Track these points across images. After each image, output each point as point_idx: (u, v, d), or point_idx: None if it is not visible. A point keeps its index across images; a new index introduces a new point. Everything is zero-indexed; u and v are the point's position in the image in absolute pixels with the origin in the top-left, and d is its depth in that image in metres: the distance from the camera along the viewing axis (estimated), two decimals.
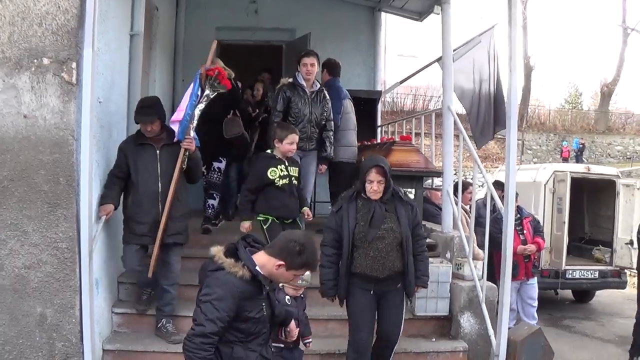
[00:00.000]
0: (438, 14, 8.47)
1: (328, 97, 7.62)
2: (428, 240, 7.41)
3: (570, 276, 11.20)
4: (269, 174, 6.16)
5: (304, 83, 7.38)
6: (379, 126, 10.73)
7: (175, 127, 5.88)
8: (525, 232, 8.56)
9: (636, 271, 9.49)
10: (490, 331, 6.03)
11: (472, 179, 9.27)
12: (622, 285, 11.85)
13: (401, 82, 11.53)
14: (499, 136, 29.78)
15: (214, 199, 8.03)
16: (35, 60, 5.17)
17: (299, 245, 3.80)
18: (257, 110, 9.46)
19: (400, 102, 32.76)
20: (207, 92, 6.03)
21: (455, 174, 7.97)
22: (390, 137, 10.30)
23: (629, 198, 11.86)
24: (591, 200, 13.09)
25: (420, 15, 10.00)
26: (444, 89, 7.63)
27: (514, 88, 5.80)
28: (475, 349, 6.38)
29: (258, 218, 6.30)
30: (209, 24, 10.66)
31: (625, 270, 11.78)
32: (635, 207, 11.76)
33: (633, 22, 39.20)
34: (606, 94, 40.60)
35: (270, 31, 10.97)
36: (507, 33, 5.74)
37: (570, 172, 11.50)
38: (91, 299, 5.19)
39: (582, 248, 12.56)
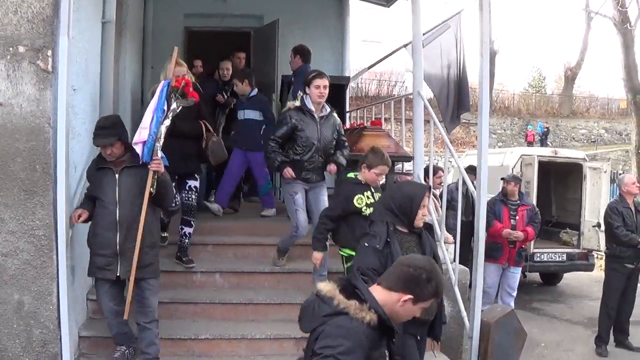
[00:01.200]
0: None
1: (339, 120, 7.04)
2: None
3: (538, 259, 11.42)
4: (355, 201, 5.78)
5: (312, 107, 6.59)
6: (348, 112, 10.82)
7: (138, 149, 5.30)
8: (517, 218, 8.73)
9: (603, 254, 9.72)
10: (464, 313, 6.18)
11: (443, 163, 9.38)
12: (589, 267, 12.12)
13: (369, 67, 11.65)
14: (464, 121, 30.17)
15: (190, 225, 6.93)
16: (11, 49, 5.15)
17: (426, 272, 3.11)
18: (227, 96, 9.13)
19: (365, 88, 32.85)
20: (173, 105, 5.51)
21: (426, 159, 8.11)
22: (360, 122, 10.40)
23: (596, 181, 12.10)
24: (558, 184, 13.35)
25: (387, 1, 10.08)
26: (414, 74, 7.76)
27: (485, 73, 5.91)
28: (448, 331, 6.45)
29: (342, 253, 6.05)
30: (178, 11, 10.70)
31: (593, 253, 12.05)
32: (602, 190, 12.03)
33: (596, 5, 39.77)
34: (570, 78, 41.17)
35: (238, 18, 11.01)
36: (478, 18, 5.87)
37: (537, 155, 11.73)
38: (68, 286, 5.22)
39: (549, 231, 12.80)
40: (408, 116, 8.23)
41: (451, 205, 9.22)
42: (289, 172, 6.45)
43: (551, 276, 12.81)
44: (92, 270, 5.48)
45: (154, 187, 5.35)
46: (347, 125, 9.83)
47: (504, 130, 33.37)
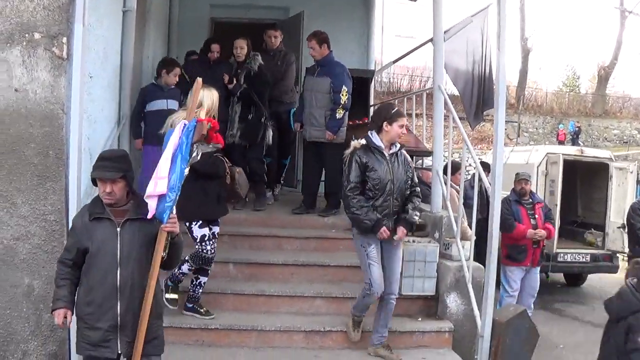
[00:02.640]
0: None
1: (409, 158, 6.21)
2: (418, 220, 7.51)
3: (561, 259, 11.22)
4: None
5: (381, 144, 5.74)
6: (372, 105, 10.74)
7: (152, 203, 4.26)
8: (536, 216, 8.45)
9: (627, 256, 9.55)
10: (476, 312, 6.08)
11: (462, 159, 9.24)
12: (613, 269, 11.85)
13: (394, 61, 11.57)
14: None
15: (207, 275, 6.17)
16: (27, 35, 5.20)
17: None
18: (235, 81, 8.09)
19: (397, 83, 32.67)
20: (193, 153, 4.52)
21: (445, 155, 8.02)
22: None
23: (622, 181, 11.89)
24: (584, 183, 13.12)
25: None
26: (435, 68, 7.67)
27: (502, 68, 5.85)
28: (461, 329, 6.42)
29: None
30: (204, 1, 10.71)
31: (617, 255, 11.80)
32: (628, 190, 11.81)
33: (631, 4, 39.08)
34: (603, 77, 40.58)
35: (264, 9, 10.98)
36: (497, 11, 5.81)
37: (562, 154, 11.54)
38: None
39: (574, 231, 12.59)
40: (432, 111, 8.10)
41: (466, 204, 9.14)
42: (386, 232, 5.64)
43: (575, 277, 12.61)
44: (83, 346, 4.22)
45: (167, 250, 4.33)
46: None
47: (536, 128, 32.98)
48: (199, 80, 4.62)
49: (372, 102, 10.90)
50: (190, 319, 6.08)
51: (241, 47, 8.23)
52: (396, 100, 10.61)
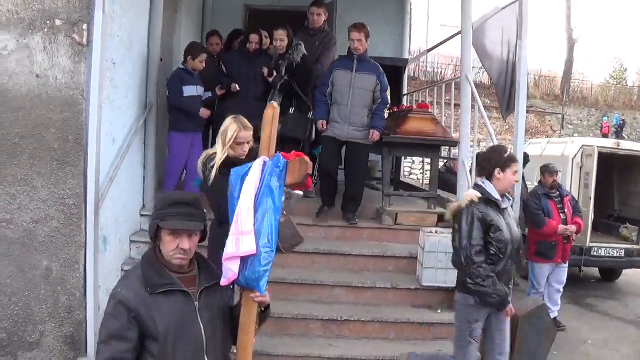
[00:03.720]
0: None
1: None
2: (442, 210, 7.43)
3: (595, 254, 10.91)
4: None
5: (498, 197, 4.84)
6: (405, 94, 10.69)
7: (233, 268, 3.31)
8: (566, 211, 8.20)
9: None
10: None
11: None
12: None
13: (428, 50, 11.48)
14: (539, 109, 29.40)
15: None
16: (48, 22, 5.27)
17: None
18: (275, 73, 7.73)
19: (441, 72, 32.33)
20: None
21: (478, 146, 7.92)
22: (409, 105, 10.26)
23: None
24: (621, 177, 12.80)
25: None
26: (463, 58, 7.60)
27: (523, 56, 5.79)
28: None
29: None
30: None
31: None
32: None
33: None
34: None
35: None
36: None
37: (597, 147, 11.22)
38: (96, 255, 5.35)
39: (610, 225, 12.28)
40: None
41: None
42: (512, 310, 4.92)
43: (610, 272, 12.28)
44: None
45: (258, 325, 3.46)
46: None
47: (581, 121, 32.30)
48: (274, 105, 3.75)
49: (405, 91, 10.86)
50: None
51: (281, 39, 7.76)
52: (428, 90, 10.42)
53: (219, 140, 4.83)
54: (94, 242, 5.32)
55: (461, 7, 7.44)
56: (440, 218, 7.32)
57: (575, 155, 11.39)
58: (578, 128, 31.08)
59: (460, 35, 7.91)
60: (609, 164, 11.96)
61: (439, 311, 6.48)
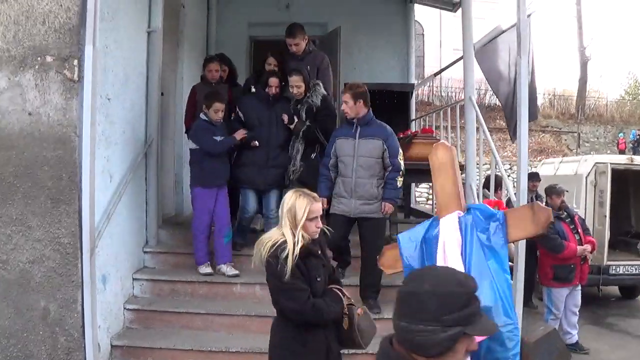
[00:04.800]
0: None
1: None
2: None
3: (613, 272, 10.67)
4: None
5: None
6: (413, 120, 10.58)
7: None
8: (579, 230, 7.99)
9: None
10: None
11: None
12: None
13: (435, 74, 11.42)
14: (555, 129, 29.16)
15: None
16: (39, 58, 5.23)
17: None
18: (296, 118, 7.10)
19: (456, 96, 32.18)
20: None
21: (489, 169, 7.77)
22: (415, 130, 10.15)
23: None
24: (637, 192, 12.58)
25: (453, 6, 9.81)
26: (466, 80, 7.44)
27: (524, 74, 5.67)
28: None
29: None
30: (241, 20, 10.79)
31: None
32: None
33: None
34: None
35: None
36: (516, 15, 5.65)
37: (611, 163, 11.04)
38: (93, 294, 5.22)
39: (628, 242, 11.99)
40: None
41: None
42: None
43: (630, 289, 11.99)
44: None
45: None
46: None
47: (597, 138, 31.96)
48: (445, 144, 3.51)
49: (413, 116, 10.74)
50: (213, 342, 6.05)
51: (297, 86, 7.06)
52: (438, 114, 10.27)
53: (284, 223, 3.95)
54: (91, 281, 5.19)
55: (462, 29, 7.34)
56: None
57: (589, 173, 11.22)
58: (595, 145, 30.78)
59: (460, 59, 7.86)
60: (624, 180, 11.76)
61: None
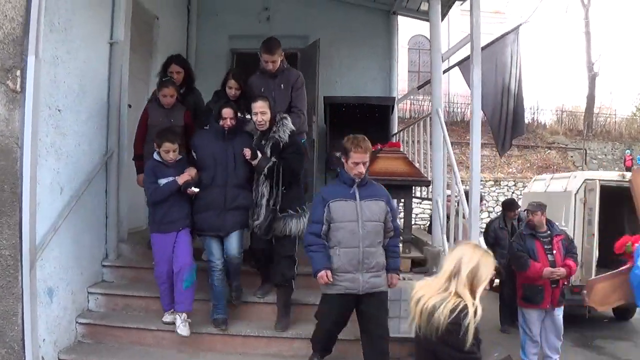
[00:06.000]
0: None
1: None
2: (417, 255, 7.13)
3: None
4: None
5: None
6: (394, 134, 10.46)
7: None
8: (554, 252, 7.53)
9: None
10: None
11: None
12: None
13: (419, 87, 11.34)
14: (562, 145, 28.89)
15: None
16: None
17: None
18: (259, 154, 6.22)
19: (461, 112, 31.90)
20: None
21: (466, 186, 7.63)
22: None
23: None
24: (631, 210, 12.30)
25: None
26: (433, 92, 7.28)
27: (476, 83, 5.58)
28: None
29: None
30: (222, 32, 10.76)
31: None
32: None
33: None
34: None
35: (284, 38, 10.79)
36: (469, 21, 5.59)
37: (600, 180, 10.77)
38: (33, 307, 5.15)
39: (621, 262, 11.79)
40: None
41: (498, 244, 8.75)
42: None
43: (623, 311, 11.74)
44: None
45: None
46: None
47: (605, 155, 31.63)
48: None
49: (394, 130, 10.64)
50: None
51: (262, 112, 6.17)
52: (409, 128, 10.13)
53: (460, 282, 3.42)
54: (30, 294, 5.12)
55: (430, 38, 7.22)
56: (416, 262, 6.99)
57: (578, 190, 10.93)
58: (602, 162, 30.48)
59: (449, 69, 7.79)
60: (617, 197, 11.46)
61: None
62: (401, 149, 8.11)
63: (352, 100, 10.26)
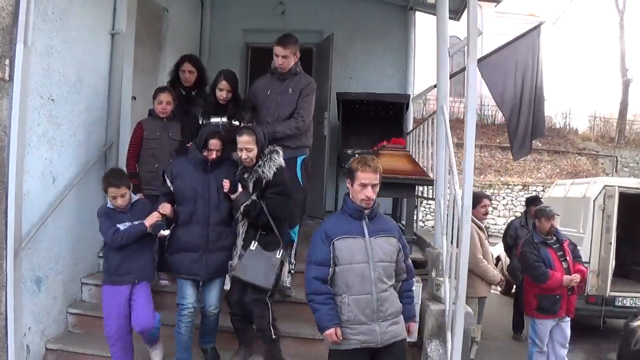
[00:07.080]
0: None
1: None
2: (419, 256, 6.97)
3: (619, 304, 10.00)
4: None
5: None
6: (408, 132, 10.29)
7: None
8: (567, 258, 7.33)
9: None
10: None
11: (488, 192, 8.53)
12: None
13: (434, 86, 11.11)
14: (593, 152, 28.37)
15: None
16: None
17: None
18: (240, 188, 5.64)
19: (492, 115, 31.35)
20: None
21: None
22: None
23: None
24: None
25: (455, 13, 9.49)
26: (438, 88, 7.02)
27: (472, 84, 5.41)
28: None
29: None
30: (236, 26, 10.70)
31: None
32: None
33: None
34: None
35: (298, 33, 10.73)
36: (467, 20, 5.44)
37: (619, 186, 10.39)
38: (17, 295, 5.14)
39: (638, 272, 11.41)
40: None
41: (517, 244, 8.49)
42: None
43: None
44: None
45: None
46: None
47: (637, 163, 30.82)
48: None
49: (409, 129, 10.47)
50: None
51: (248, 149, 5.48)
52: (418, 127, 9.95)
53: None
54: (15, 282, 5.10)
55: (436, 33, 7.02)
56: (420, 264, 6.80)
57: (597, 196, 10.49)
58: (634, 170, 29.78)
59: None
60: (636, 205, 11.13)
61: None
62: (407, 147, 7.95)
63: (365, 96, 10.13)
